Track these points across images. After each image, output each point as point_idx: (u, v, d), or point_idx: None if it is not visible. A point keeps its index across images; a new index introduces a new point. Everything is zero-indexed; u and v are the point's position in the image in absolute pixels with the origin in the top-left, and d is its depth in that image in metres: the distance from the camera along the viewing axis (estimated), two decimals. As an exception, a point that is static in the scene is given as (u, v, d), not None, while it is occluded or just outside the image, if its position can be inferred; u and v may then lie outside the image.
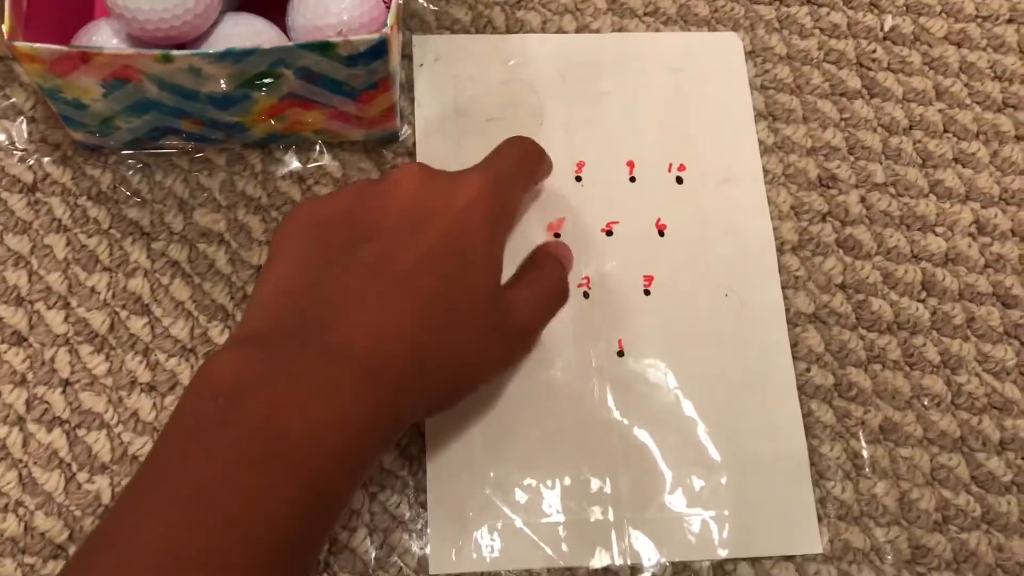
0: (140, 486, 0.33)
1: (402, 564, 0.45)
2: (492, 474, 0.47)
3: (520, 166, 0.45)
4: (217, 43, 0.47)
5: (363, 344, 0.35)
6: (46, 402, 0.47)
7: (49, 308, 0.48)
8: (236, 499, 0.32)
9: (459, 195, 0.40)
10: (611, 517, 0.46)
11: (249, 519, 0.31)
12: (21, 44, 0.42)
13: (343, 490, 0.35)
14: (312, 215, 0.40)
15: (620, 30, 0.55)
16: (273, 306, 0.37)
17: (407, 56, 0.54)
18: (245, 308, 0.39)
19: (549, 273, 0.45)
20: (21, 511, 0.45)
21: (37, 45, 0.42)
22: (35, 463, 0.46)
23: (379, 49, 0.43)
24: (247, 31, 0.48)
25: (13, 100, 0.52)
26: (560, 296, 0.46)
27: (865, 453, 0.48)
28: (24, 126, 0.51)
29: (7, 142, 0.51)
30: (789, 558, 0.46)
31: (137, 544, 0.31)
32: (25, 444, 0.46)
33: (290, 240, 0.39)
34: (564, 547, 0.46)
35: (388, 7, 0.46)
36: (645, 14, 0.56)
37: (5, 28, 0.42)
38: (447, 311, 0.38)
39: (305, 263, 0.38)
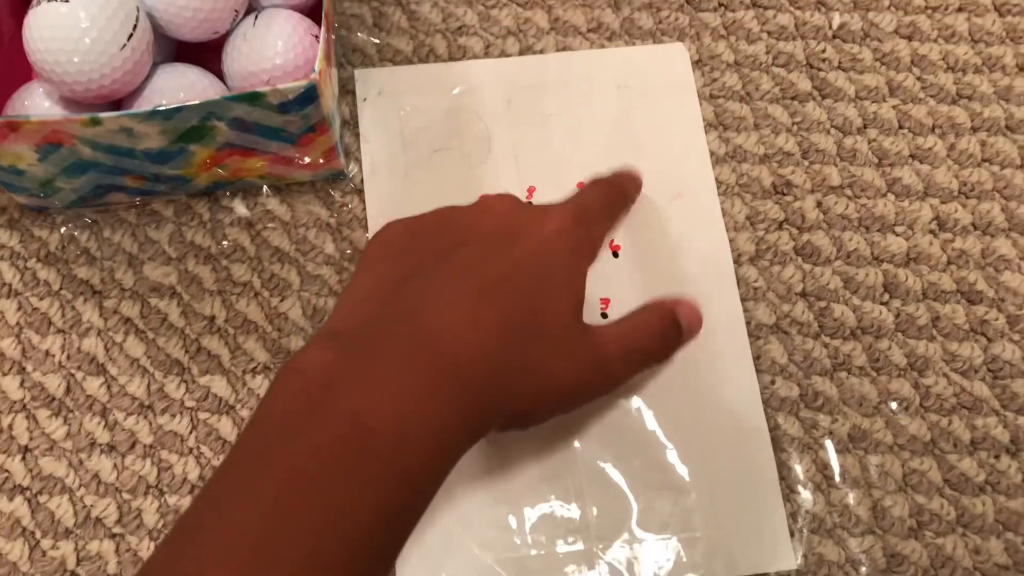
0: (230, 472, 0.33)
1: (371, 610, 0.45)
2: (459, 509, 0.46)
3: (607, 203, 0.45)
4: (151, 97, 0.47)
5: (449, 342, 0.35)
6: (6, 470, 0.46)
7: (4, 375, 0.48)
8: (326, 490, 0.31)
9: (547, 222, 0.41)
10: (581, 547, 0.46)
11: (338, 512, 0.31)
12: (-53, 117, 0.42)
13: (429, 486, 0.35)
14: (404, 227, 0.41)
15: (564, 49, 0.55)
16: (362, 303, 0.38)
17: (351, 91, 0.53)
18: (334, 307, 0.39)
19: (651, 320, 0.44)
20: (-14, 583, 0.45)
21: (-37, 117, 0.42)
22: (-2, 533, 0.46)
23: (309, 94, 0.43)
24: (181, 83, 0.47)
25: (-43, 166, 0.51)
26: (658, 346, 0.44)
27: (835, 463, 0.48)
28: (-31, 192, 0.51)
29: (-47, 209, 0.50)
30: (763, 575, 0.46)
31: (229, 531, 0.30)
32: (-13, 515, 0.46)
33: (381, 247, 0.41)
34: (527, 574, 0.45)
35: (319, 49, 0.46)
36: (589, 31, 0.55)
37: (-70, 102, 0.42)
38: (530, 323, 0.38)
39: (395, 266, 0.39)
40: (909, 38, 0.56)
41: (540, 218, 0.41)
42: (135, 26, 0.44)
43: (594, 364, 0.41)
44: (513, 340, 0.37)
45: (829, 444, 0.48)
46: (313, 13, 0.50)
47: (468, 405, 0.35)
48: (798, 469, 0.47)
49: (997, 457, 0.48)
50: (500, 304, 0.37)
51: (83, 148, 0.44)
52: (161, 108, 0.42)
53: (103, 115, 0.42)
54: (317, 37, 0.48)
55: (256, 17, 0.48)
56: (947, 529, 0.47)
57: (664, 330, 0.44)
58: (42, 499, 0.46)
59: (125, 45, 0.44)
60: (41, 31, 0.43)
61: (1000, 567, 0.47)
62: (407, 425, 0.33)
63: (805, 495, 0.47)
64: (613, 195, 0.47)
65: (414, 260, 0.39)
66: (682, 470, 0.47)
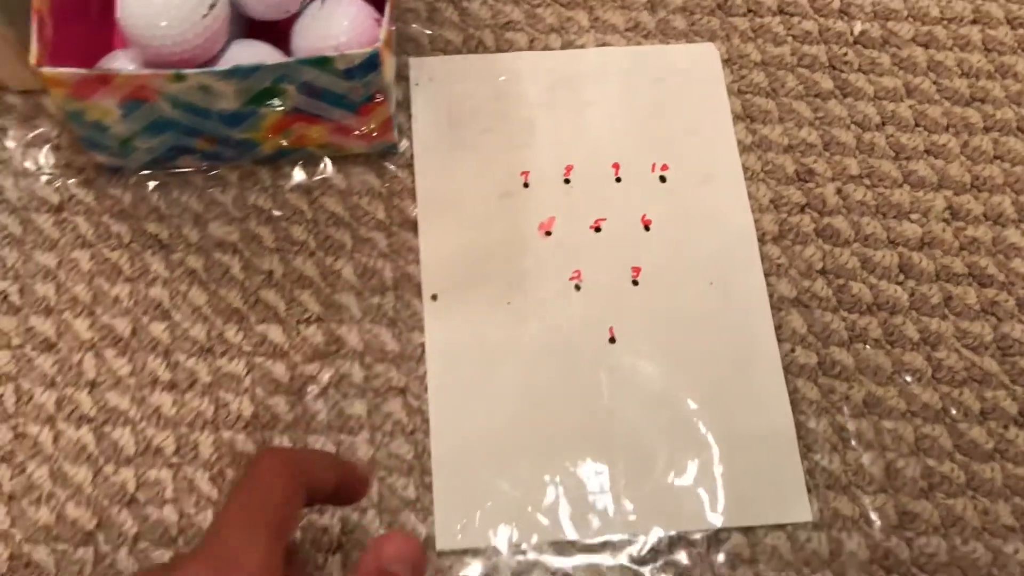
0: None
1: (409, 542, 0.47)
2: (494, 456, 0.49)
3: (261, 516, 0.32)
4: (226, 66, 0.51)
5: None
6: (74, 402, 0.50)
7: (76, 316, 0.52)
8: None
9: None
10: (609, 493, 0.49)
11: None
12: (47, 69, 0.46)
13: None
14: None
15: (603, 45, 0.59)
16: None
17: (404, 77, 0.58)
18: None
19: None
20: (53, 502, 0.48)
21: (61, 70, 0.46)
22: (65, 458, 0.49)
23: (372, 61, 0.47)
24: (253, 54, 0.52)
25: (41, 130, 0.56)
26: None
27: (850, 426, 0.50)
28: (51, 153, 0.55)
29: (35, 168, 0.55)
30: (780, 526, 0.48)
31: None
32: (56, 441, 0.49)
33: None
34: (564, 522, 0.48)
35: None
36: (626, 30, 0.60)
37: (33, 55, 0.46)
38: None
39: None
40: (926, 46, 0.60)
41: None
42: (217, -2, 0.49)
43: None
44: None
45: (845, 408, 0.51)
46: (374, 2, 0.54)
47: None
48: (816, 430, 0.50)
49: (1006, 427, 0.51)
50: None
51: (164, 105, 0.48)
52: (239, 67, 0.46)
53: (186, 71, 0.46)
54: (378, 22, 0.52)
55: (324, 0, 0.53)
56: (957, 491, 0.49)
57: None
58: (106, 429, 0.49)
59: (207, 14, 0.48)
60: (135, -5, 0.47)
61: (1007, 528, 0.49)
62: None
63: (822, 454, 0.50)
64: (282, 486, 0.33)
65: None
66: (705, 428, 0.50)
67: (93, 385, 0.50)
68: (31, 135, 0.56)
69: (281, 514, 0.32)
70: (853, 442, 0.50)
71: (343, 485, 0.36)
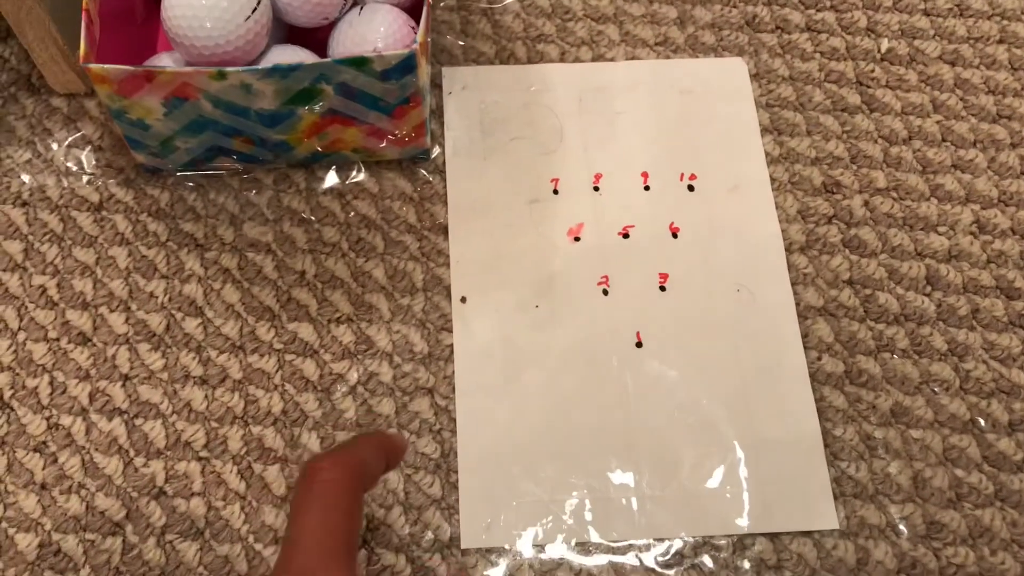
0: None
1: (435, 539, 0.48)
2: (520, 456, 0.49)
3: (330, 537, 0.33)
4: (266, 69, 0.52)
5: None
6: (107, 395, 0.51)
7: (111, 311, 0.52)
8: None
9: None
10: (633, 495, 0.49)
11: None
12: (94, 66, 0.47)
13: None
14: None
15: (633, 59, 0.60)
16: None
17: (438, 86, 0.59)
18: None
19: None
20: (83, 492, 0.48)
21: (107, 66, 0.47)
22: (96, 449, 0.49)
23: (409, 63, 0.48)
24: (292, 59, 0.53)
25: (83, 132, 0.57)
26: None
27: (877, 435, 0.50)
28: (92, 153, 0.56)
29: (77, 168, 0.56)
30: (807, 534, 0.48)
31: None
32: (88, 432, 0.50)
33: None
34: (589, 523, 0.48)
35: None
36: (656, 44, 0.61)
37: (81, 52, 0.48)
38: None
39: None
40: (952, 63, 0.60)
41: None
42: (259, 2, 0.50)
43: None
44: None
45: (872, 417, 0.51)
46: (410, 12, 0.56)
47: None
48: (842, 438, 0.50)
49: (1034, 439, 0.50)
50: None
51: (205, 103, 0.50)
52: (279, 66, 0.48)
53: (228, 69, 0.47)
54: (414, 29, 0.54)
55: (361, 8, 0.54)
56: (985, 502, 0.49)
57: None
58: (138, 422, 0.50)
59: (249, 17, 0.50)
60: (181, -3, 0.49)
61: (1037, 541, 0.48)
62: None
63: (848, 462, 0.50)
64: (341, 501, 0.34)
65: None
66: (731, 433, 0.50)
67: (126, 379, 0.51)
68: (74, 136, 0.57)
69: (352, 528, 0.33)
70: (880, 451, 0.50)
71: (389, 466, 0.38)
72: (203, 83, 0.48)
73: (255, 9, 0.50)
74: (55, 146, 0.57)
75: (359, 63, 0.48)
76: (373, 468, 0.36)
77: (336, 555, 0.32)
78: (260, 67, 0.48)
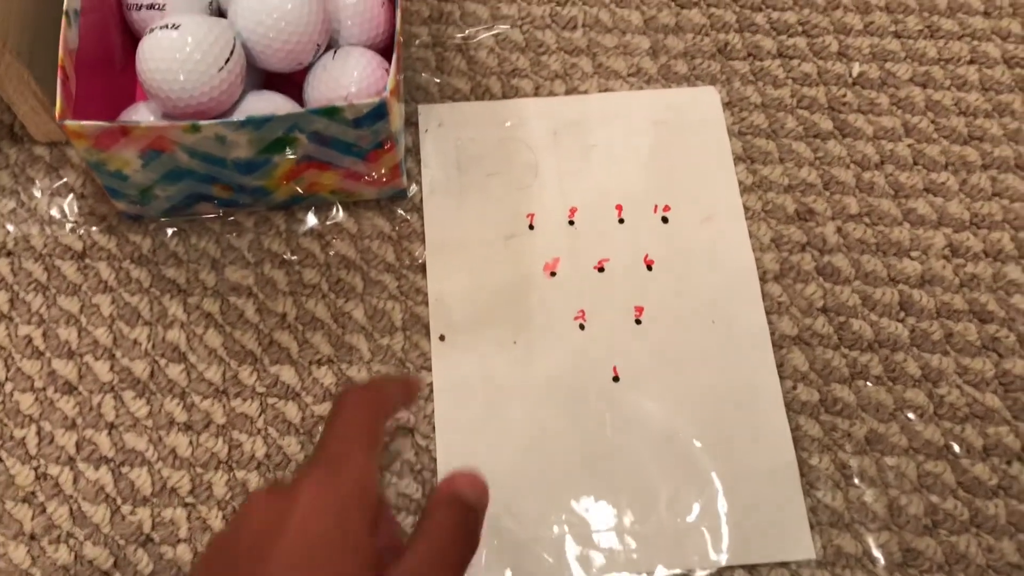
0: None
1: (417, 579, 0.48)
2: (500, 495, 0.50)
3: (359, 430, 0.40)
4: (241, 117, 0.53)
5: None
6: (94, 443, 0.51)
7: (96, 359, 0.53)
8: None
9: (300, 502, 0.37)
10: (613, 531, 0.49)
11: None
12: (70, 122, 0.48)
13: None
14: None
15: (606, 91, 0.61)
16: None
17: (413, 123, 0.60)
18: None
19: (440, 523, 0.39)
20: (72, 541, 0.49)
21: (84, 123, 0.48)
22: (84, 498, 0.50)
23: (380, 111, 0.49)
24: (268, 105, 0.54)
25: (65, 180, 0.58)
26: (462, 547, 0.39)
27: (852, 463, 0.51)
28: (75, 201, 0.57)
29: (60, 216, 0.57)
30: (784, 564, 0.49)
31: None
32: (75, 481, 0.51)
33: None
34: (570, 560, 0.49)
35: (390, 76, 0.52)
36: (628, 75, 0.61)
37: (57, 110, 0.48)
38: None
39: None
40: (924, 85, 0.61)
41: (291, 503, 0.37)
42: (232, 52, 0.51)
43: None
44: None
45: (847, 445, 0.51)
46: (384, 53, 0.56)
47: None
48: (818, 467, 0.51)
49: (1009, 463, 0.51)
50: None
51: (181, 155, 0.50)
52: (252, 118, 0.48)
53: (202, 123, 0.48)
54: (387, 71, 0.54)
55: (335, 52, 0.55)
56: (961, 528, 0.50)
57: (462, 526, 0.39)
58: (124, 470, 0.51)
59: (223, 68, 0.51)
60: (153, 52, 0.50)
61: (1012, 566, 0.49)
62: None
63: (824, 491, 0.50)
64: (365, 415, 0.41)
65: None
66: (708, 465, 0.51)
67: (112, 427, 0.52)
68: (57, 184, 0.58)
69: (370, 431, 0.40)
70: (856, 479, 0.51)
71: (405, 403, 0.45)
72: (178, 136, 0.49)
73: (228, 59, 0.51)
74: (38, 194, 0.58)
75: (331, 112, 0.49)
76: (393, 398, 0.43)
77: (357, 446, 0.39)
78: (233, 119, 0.48)
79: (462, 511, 0.39)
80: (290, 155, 0.51)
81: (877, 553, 0.49)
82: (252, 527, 0.37)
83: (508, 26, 0.63)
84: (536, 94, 0.61)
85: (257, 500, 0.38)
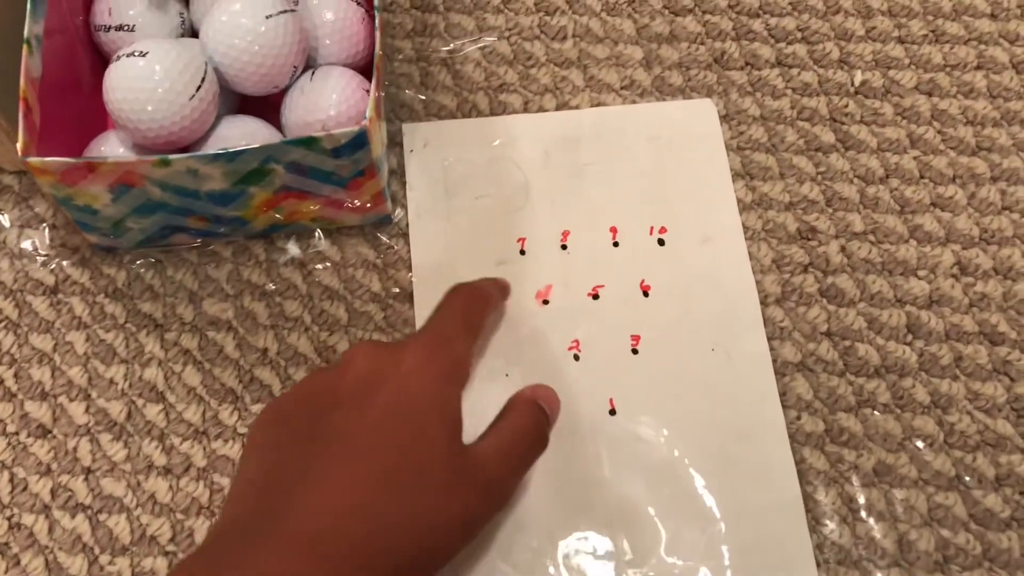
0: None
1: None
2: (493, 535, 0.48)
3: (464, 317, 0.45)
4: (216, 144, 0.51)
5: (319, 525, 0.36)
6: (70, 490, 0.49)
7: (71, 400, 0.51)
8: None
9: (405, 360, 0.41)
10: (612, 571, 0.47)
11: None
12: (33, 159, 0.46)
13: None
14: (276, 408, 0.41)
15: (598, 105, 0.58)
16: (237, 501, 0.38)
17: (399, 143, 0.57)
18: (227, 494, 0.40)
19: (521, 419, 0.44)
20: (47, 595, 0.47)
21: (47, 159, 0.46)
22: (60, 548, 0.48)
23: (359, 140, 0.47)
24: (243, 132, 0.51)
25: (36, 210, 0.56)
26: (534, 441, 0.44)
27: (860, 497, 0.49)
28: (46, 233, 0.55)
29: (31, 248, 0.55)
30: (790, 605, 0.47)
31: None
32: (51, 531, 0.49)
33: (257, 434, 0.41)
34: (566, 605, 0.47)
35: (370, 100, 0.50)
36: (622, 88, 0.59)
37: (19, 145, 0.46)
38: (405, 475, 0.38)
39: (268, 452, 0.39)
40: (929, 94, 0.59)
41: (397, 359, 0.41)
42: (203, 79, 0.48)
43: (482, 489, 0.40)
44: (389, 500, 0.37)
45: (854, 478, 0.49)
46: (365, 71, 0.54)
47: None
48: (824, 501, 0.49)
49: (1023, 493, 0.49)
50: (369, 468, 0.37)
51: (153, 189, 0.48)
52: (224, 151, 0.46)
53: (172, 156, 0.46)
54: (368, 91, 0.52)
55: (313, 73, 0.52)
56: (973, 563, 0.48)
57: (538, 424, 0.44)
58: (102, 517, 0.49)
59: (194, 95, 0.48)
60: (120, 81, 0.47)
61: (1027, 602, 0.47)
62: None
63: (831, 527, 0.48)
64: (471, 305, 0.46)
65: (283, 442, 0.39)
66: (710, 500, 0.49)
67: (88, 472, 0.50)
68: (27, 215, 0.56)
69: (473, 321, 0.46)
70: (863, 513, 0.49)
71: (502, 300, 0.51)
72: (147, 171, 0.47)
73: (199, 87, 0.48)
74: (7, 225, 0.55)
75: (307, 143, 0.46)
76: (493, 297, 0.49)
77: (462, 331, 0.44)
78: (205, 153, 0.46)
79: (539, 413, 0.44)
80: (267, 186, 0.49)
81: (887, 592, 0.47)
82: (359, 371, 0.40)
83: (495, 38, 0.60)
84: (525, 110, 0.58)
85: (364, 350, 0.42)
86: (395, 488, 0.38)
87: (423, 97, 0.59)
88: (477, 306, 0.47)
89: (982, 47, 0.60)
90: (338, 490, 0.37)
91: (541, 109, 0.58)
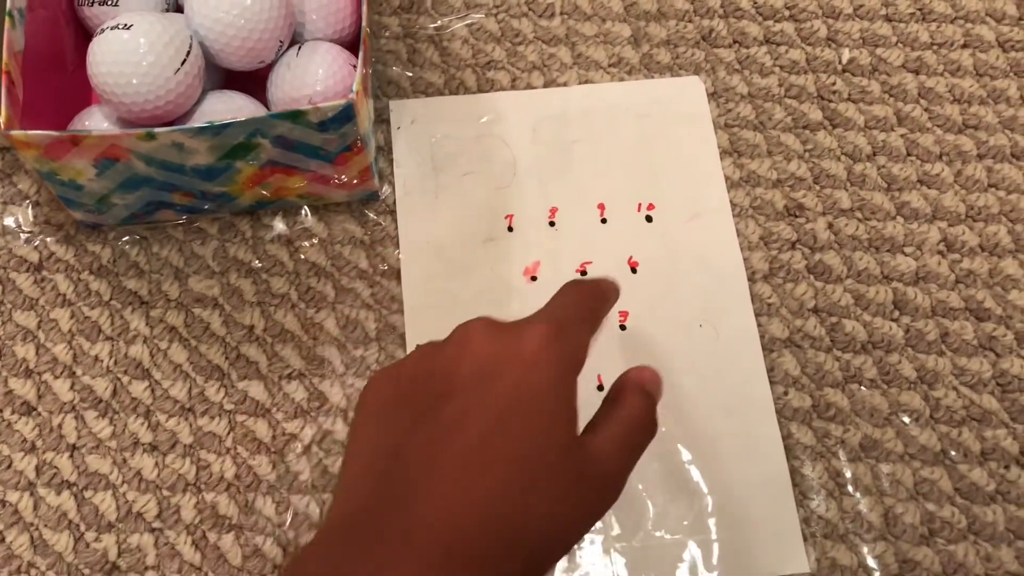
0: None
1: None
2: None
3: (585, 308, 0.44)
4: (201, 119, 0.50)
5: (440, 520, 0.35)
6: (55, 467, 0.49)
7: (56, 378, 0.51)
8: None
9: (525, 345, 0.39)
10: (599, 546, 0.47)
11: None
12: (16, 132, 0.45)
13: None
14: (390, 381, 0.40)
15: (586, 82, 0.58)
16: (356, 487, 0.37)
17: (385, 120, 0.57)
18: (338, 476, 0.39)
19: (633, 409, 0.42)
20: (33, 572, 0.47)
21: (31, 132, 0.45)
22: (45, 525, 0.48)
23: (346, 113, 0.46)
24: (228, 107, 0.51)
25: (19, 187, 0.55)
26: (646, 429, 0.42)
27: (847, 471, 0.49)
28: (30, 210, 0.54)
29: (15, 225, 0.54)
30: (777, 579, 0.47)
31: None
32: (36, 508, 0.48)
33: (369, 415, 0.39)
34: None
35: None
36: (610, 65, 0.59)
37: (2, 119, 0.46)
38: (525, 469, 0.36)
39: (384, 437, 0.38)
40: (916, 72, 0.59)
41: (517, 343, 0.39)
42: (188, 52, 0.48)
43: (601, 484, 0.39)
44: (509, 494, 0.36)
45: (841, 453, 0.49)
46: (352, 47, 0.53)
47: None
48: (811, 476, 0.49)
49: (1007, 467, 0.49)
50: (489, 462, 0.36)
51: (138, 163, 0.48)
52: (210, 124, 0.46)
53: (157, 130, 0.45)
54: (355, 67, 0.51)
55: (299, 48, 0.52)
56: (958, 536, 0.48)
57: (648, 412, 0.42)
58: (87, 494, 0.49)
59: (179, 69, 0.48)
60: (104, 55, 0.47)
61: (1011, 574, 0.47)
62: None
63: (818, 501, 0.49)
64: (591, 298, 0.45)
65: (400, 427, 0.38)
66: (697, 475, 0.49)
67: (74, 449, 0.49)
68: (10, 192, 0.55)
69: (593, 314, 0.43)
70: (850, 488, 0.49)
71: (615, 300, 0.46)
72: (132, 144, 0.46)
73: (184, 61, 0.48)
74: (-9, 202, 0.55)
75: (294, 116, 0.46)
76: (611, 295, 0.46)
77: (585, 322, 0.42)
78: (190, 126, 0.46)
79: (648, 399, 0.42)
80: (253, 161, 0.49)
81: (873, 564, 0.47)
82: (476, 356, 0.38)
83: (483, 15, 0.60)
84: (513, 87, 0.58)
85: (481, 329, 0.40)
86: (519, 484, 0.36)
87: (410, 74, 0.58)
88: (598, 300, 0.45)
89: (968, 25, 0.60)
90: (457, 485, 0.35)
91: (529, 86, 0.58)
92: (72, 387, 0.51)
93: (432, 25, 0.60)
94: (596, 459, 0.39)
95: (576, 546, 0.47)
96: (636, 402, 0.42)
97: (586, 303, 0.44)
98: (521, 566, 0.36)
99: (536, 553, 0.36)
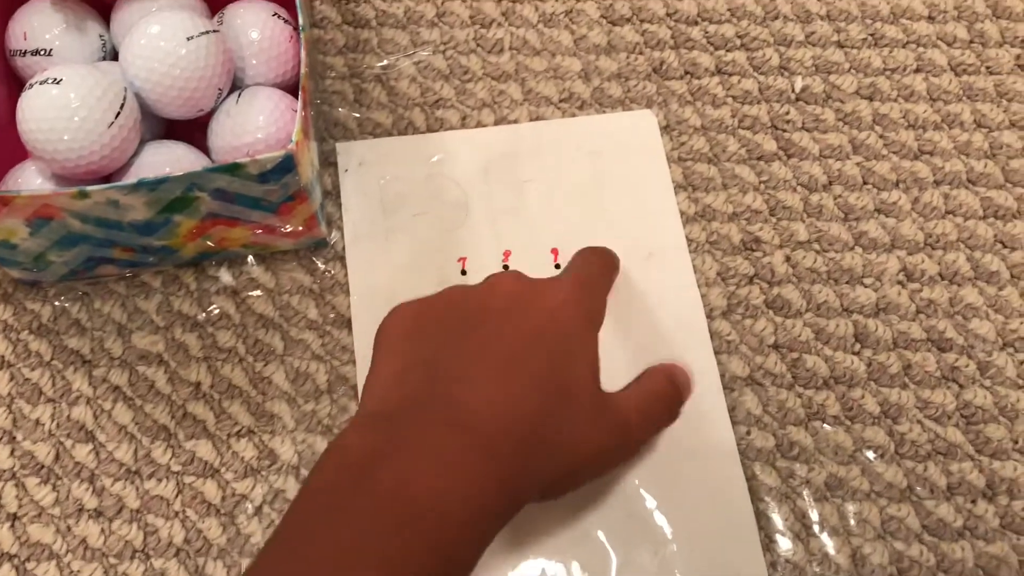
0: (278, 549, 0.34)
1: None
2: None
3: (603, 271, 0.48)
4: (139, 172, 0.49)
5: (483, 417, 0.37)
6: (-5, 538, 0.47)
7: (-5, 444, 0.49)
8: (371, 563, 0.32)
9: (552, 294, 0.42)
10: (562, 601, 0.46)
11: None
12: (-58, 195, 0.44)
13: (469, 558, 0.35)
14: (415, 310, 0.42)
15: (537, 118, 0.57)
16: (396, 385, 0.39)
17: (333, 163, 0.56)
18: (363, 389, 0.41)
19: (657, 385, 0.47)
20: (-27, 651, 0.45)
21: (-43, 194, 0.44)
22: (-15, 601, 0.46)
23: (287, 164, 0.45)
24: (167, 158, 0.49)
25: (-46, 244, 0.53)
26: (667, 408, 0.46)
27: (813, 512, 0.48)
28: (-35, 268, 0.53)
29: (-51, 285, 0.52)
30: (744, 627, 0.46)
31: None
32: (-25, 583, 0.46)
33: (399, 328, 0.42)
34: (516, 637, 0.45)
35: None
36: (560, 101, 0.58)
37: (-73, 181, 0.44)
38: (557, 391, 0.39)
39: (416, 350, 0.40)
40: (870, 98, 0.58)
41: (546, 291, 0.42)
42: (122, 105, 0.47)
43: (619, 429, 0.42)
44: (543, 408, 0.38)
45: (806, 493, 0.48)
46: (294, 90, 0.52)
47: (504, 479, 0.36)
48: (776, 518, 0.48)
49: (974, 502, 0.49)
50: (524, 376, 0.39)
51: (73, 221, 0.46)
52: (145, 180, 0.44)
53: (90, 188, 0.44)
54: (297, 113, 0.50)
55: (239, 95, 0.51)
56: (927, 575, 0.47)
57: (670, 395, 0.46)
58: (30, 566, 0.47)
59: (112, 123, 0.46)
60: (34, 111, 0.45)
61: (982, 612, 0.47)
62: (447, 500, 0.34)
63: (784, 544, 0.47)
64: (607, 262, 0.49)
65: (433, 342, 0.40)
66: (661, 521, 0.48)
67: (15, 518, 0.48)
68: (-57, 250, 0.53)
69: (608, 278, 0.48)
70: (816, 528, 0.48)
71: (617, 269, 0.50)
72: (65, 203, 0.45)
73: (118, 114, 0.46)
74: (-75, 261, 0.53)
75: (232, 169, 0.45)
76: (617, 264, 0.50)
77: (604, 285, 0.46)
78: (125, 183, 0.44)
79: (672, 386, 0.46)
80: (193, 214, 0.47)
81: (842, 608, 0.46)
82: (508, 291, 0.42)
83: (430, 52, 0.59)
84: (463, 125, 0.57)
85: (510, 276, 0.43)
86: (548, 402, 0.38)
87: (357, 115, 0.57)
88: (611, 267, 0.49)
89: (920, 49, 0.59)
90: (496, 391, 0.38)
91: (479, 124, 0.57)
92: (12, 453, 0.49)
93: (379, 64, 0.58)
94: (615, 408, 0.42)
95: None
96: (661, 382, 0.46)
97: (605, 267, 0.48)
98: (544, 477, 0.38)
99: (557, 466, 0.39)
